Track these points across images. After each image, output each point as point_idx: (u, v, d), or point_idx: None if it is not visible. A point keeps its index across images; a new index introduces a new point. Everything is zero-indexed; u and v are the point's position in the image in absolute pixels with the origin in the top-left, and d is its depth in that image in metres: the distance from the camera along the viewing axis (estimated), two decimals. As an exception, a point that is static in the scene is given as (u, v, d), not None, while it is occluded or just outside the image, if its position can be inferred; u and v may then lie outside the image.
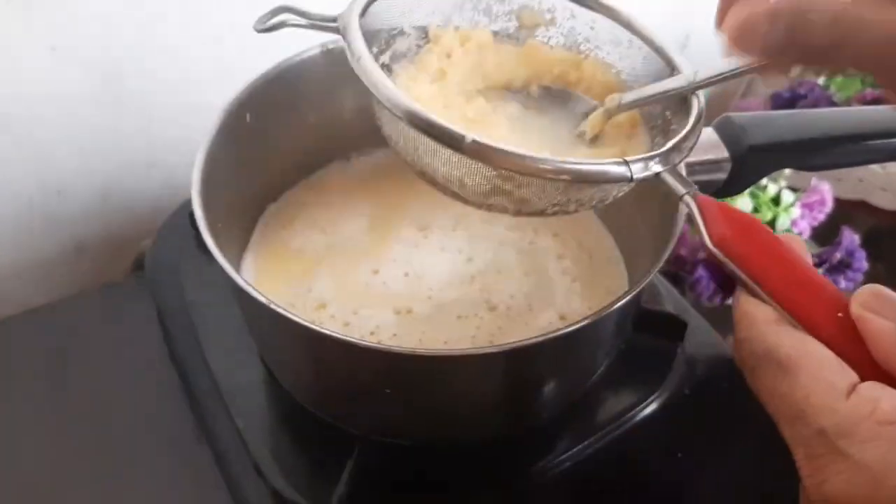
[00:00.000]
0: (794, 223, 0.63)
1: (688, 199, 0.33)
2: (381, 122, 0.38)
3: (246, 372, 0.49)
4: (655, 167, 0.33)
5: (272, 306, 0.35)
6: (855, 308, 0.28)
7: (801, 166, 0.48)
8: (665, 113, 0.40)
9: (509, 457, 0.45)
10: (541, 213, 0.36)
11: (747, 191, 0.62)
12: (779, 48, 0.27)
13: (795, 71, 0.34)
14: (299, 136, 0.52)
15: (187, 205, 0.41)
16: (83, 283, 0.65)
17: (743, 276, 0.30)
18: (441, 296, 0.47)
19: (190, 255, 0.54)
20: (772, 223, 0.62)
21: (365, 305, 0.46)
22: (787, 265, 0.31)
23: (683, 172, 0.34)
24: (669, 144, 0.34)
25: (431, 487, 0.44)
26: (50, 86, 0.55)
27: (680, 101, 0.38)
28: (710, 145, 0.46)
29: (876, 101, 0.72)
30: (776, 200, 0.62)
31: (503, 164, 0.32)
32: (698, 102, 0.37)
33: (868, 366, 0.27)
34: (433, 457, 0.45)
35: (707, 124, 0.48)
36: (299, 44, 0.49)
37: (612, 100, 0.39)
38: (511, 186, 0.34)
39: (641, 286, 0.38)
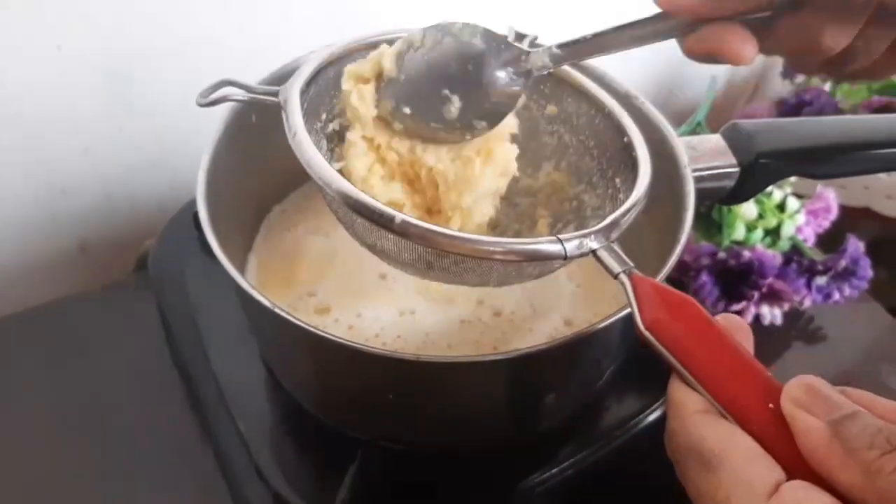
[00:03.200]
0: (798, 230, 0.62)
1: (623, 277, 0.32)
2: (323, 195, 0.37)
3: (248, 374, 0.49)
4: (591, 244, 0.32)
5: (276, 310, 0.35)
6: (786, 405, 0.27)
7: (808, 174, 0.48)
8: (616, 180, 0.39)
9: (513, 464, 0.45)
10: (483, 284, 0.36)
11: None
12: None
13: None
14: (304, 138, 0.52)
15: (191, 205, 0.41)
16: (86, 282, 0.65)
17: (674, 361, 0.29)
18: (445, 300, 0.47)
19: (193, 255, 0.54)
20: (777, 230, 0.62)
21: (369, 308, 0.46)
22: (720, 351, 0.29)
23: (619, 251, 0.33)
24: (607, 221, 0.34)
25: (433, 493, 0.44)
26: (56, 85, 0.55)
27: (631, 167, 0.38)
28: (717, 152, 0.46)
29: (883, 108, 0.72)
30: (781, 207, 0.62)
31: (432, 244, 0.32)
32: (645, 174, 0.37)
33: (797, 462, 0.26)
34: (435, 463, 0.45)
35: (714, 131, 0.48)
36: (305, 45, 0.49)
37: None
38: (448, 263, 0.34)
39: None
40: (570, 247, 0.32)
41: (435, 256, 0.34)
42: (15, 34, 0.52)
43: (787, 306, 0.59)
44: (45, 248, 0.63)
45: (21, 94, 0.54)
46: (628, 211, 0.34)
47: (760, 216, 0.61)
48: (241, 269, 0.49)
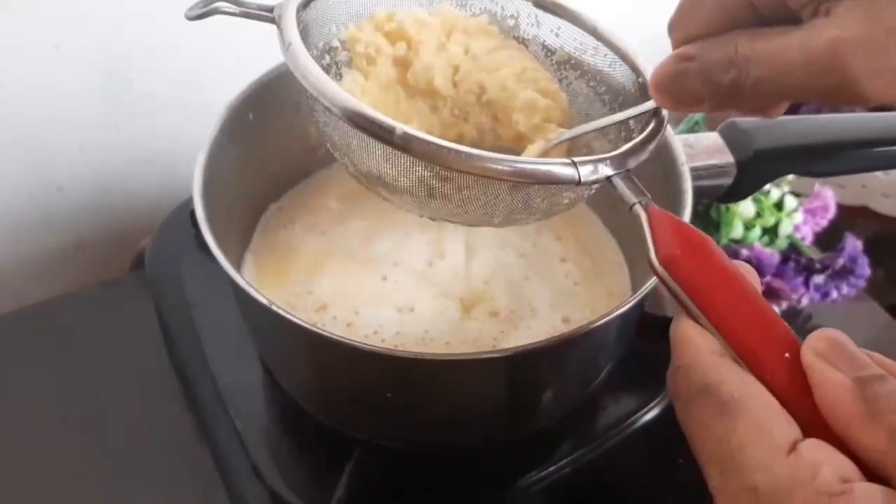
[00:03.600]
0: (796, 228, 0.62)
1: (638, 209, 0.30)
2: (316, 119, 0.36)
3: (245, 372, 0.48)
4: (606, 170, 0.31)
5: (273, 308, 0.35)
6: (808, 355, 0.26)
7: (806, 172, 0.48)
8: (629, 121, 0.38)
9: (510, 462, 0.45)
10: (487, 221, 0.35)
11: (749, 195, 0.62)
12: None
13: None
14: (301, 136, 0.52)
15: (188, 203, 0.41)
16: (83, 279, 0.65)
17: (687, 301, 0.28)
18: (443, 298, 0.47)
19: (190, 253, 0.54)
20: (775, 228, 0.62)
21: (366, 305, 0.46)
22: (737, 294, 0.28)
23: (636, 181, 0.32)
24: (624, 148, 0.32)
25: (430, 492, 0.44)
26: (53, 83, 0.55)
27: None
28: (715, 150, 0.46)
29: (881, 107, 0.72)
30: (779, 205, 0.62)
31: (436, 159, 0.30)
32: (663, 112, 0.35)
33: (811, 419, 0.25)
34: (433, 461, 0.45)
35: (712, 129, 0.48)
36: (303, 43, 0.49)
37: (556, 136, 0.37)
38: (450, 189, 0.32)
39: (645, 291, 0.37)
40: (585, 171, 0.30)
41: (437, 180, 0.32)
42: (13, 33, 0.51)
43: (784, 304, 0.59)
44: (42, 246, 0.62)
45: (19, 93, 0.54)
46: (646, 140, 0.33)
47: (758, 214, 0.61)
48: (238, 266, 0.49)
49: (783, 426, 0.25)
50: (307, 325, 0.35)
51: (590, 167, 0.30)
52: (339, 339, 0.34)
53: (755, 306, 0.28)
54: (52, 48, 0.53)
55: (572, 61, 0.41)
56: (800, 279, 0.60)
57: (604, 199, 0.52)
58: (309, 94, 0.33)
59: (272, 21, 0.35)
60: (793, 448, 0.24)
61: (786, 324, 0.27)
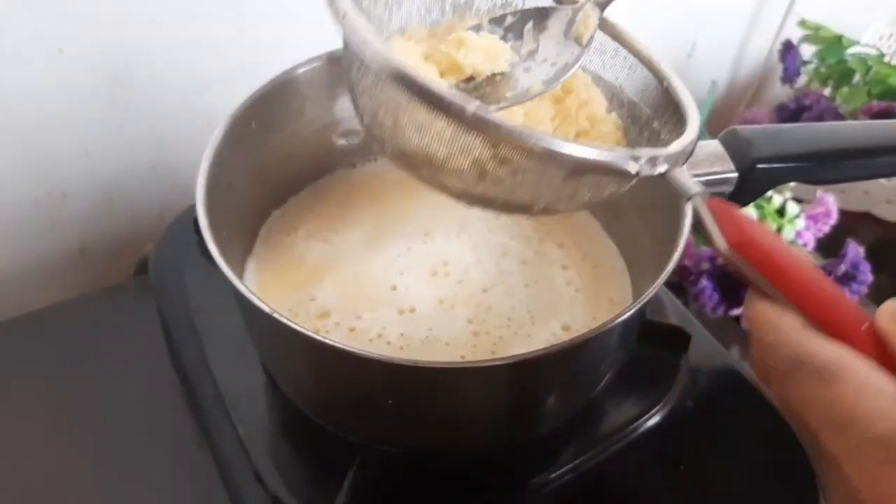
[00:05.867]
0: (798, 234, 0.62)
1: (697, 200, 0.32)
2: (359, 92, 0.34)
3: (248, 378, 0.49)
4: (663, 166, 0.31)
5: (274, 315, 0.35)
6: (884, 322, 0.27)
7: (807, 180, 0.48)
8: (653, 123, 0.39)
9: (511, 468, 0.45)
10: (528, 208, 0.34)
11: (752, 201, 0.62)
12: None
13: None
14: (304, 144, 0.52)
15: (191, 209, 0.41)
16: (86, 286, 0.65)
17: (762, 281, 0.29)
18: (445, 303, 0.47)
19: (193, 259, 0.54)
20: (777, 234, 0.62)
21: (368, 310, 0.46)
22: (806, 272, 0.29)
23: (689, 174, 0.33)
24: (678, 146, 0.33)
25: (433, 498, 0.44)
26: (56, 88, 0.55)
27: (670, 109, 0.37)
28: (715, 158, 0.46)
29: (882, 113, 0.72)
30: (781, 212, 0.62)
31: (506, 140, 0.29)
32: (695, 112, 0.36)
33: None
34: (434, 467, 0.45)
35: (713, 137, 0.48)
36: (306, 52, 0.49)
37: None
38: (505, 172, 0.32)
39: (646, 298, 0.37)
40: (644, 165, 0.31)
41: (494, 162, 0.31)
42: (16, 38, 0.52)
43: (786, 311, 0.59)
44: (46, 252, 0.63)
45: (22, 99, 0.54)
46: (693, 140, 0.34)
47: (760, 220, 0.61)
48: (241, 273, 0.49)
49: (885, 379, 0.26)
50: (308, 333, 0.35)
51: (648, 162, 0.31)
52: (340, 346, 0.34)
53: (823, 282, 0.29)
54: (56, 52, 0.54)
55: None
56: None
57: (605, 206, 0.53)
58: (358, 68, 0.32)
59: None
60: None
61: (850, 299, 0.29)
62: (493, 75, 0.39)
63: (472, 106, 0.29)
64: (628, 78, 0.41)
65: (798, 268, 0.29)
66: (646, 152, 0.31)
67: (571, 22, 0.39)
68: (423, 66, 0.37)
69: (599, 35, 0.40)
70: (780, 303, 0.29)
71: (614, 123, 0.40)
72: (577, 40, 0.39)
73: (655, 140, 0.38)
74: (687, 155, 0.33)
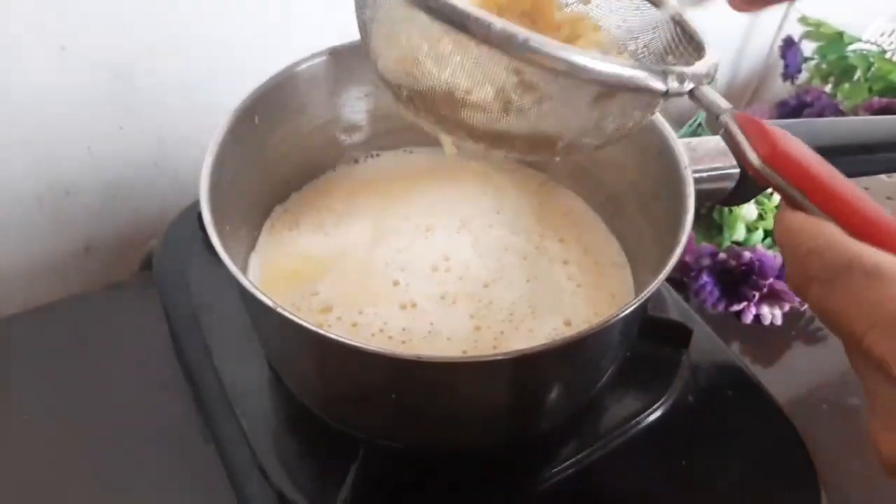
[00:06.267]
0: (799, 231, 0.62)
1: (726, 117, 0.31)
2: (372, 30, 0.33)
3: (252, 373, 0.49)
4: (690, 84, 0.31)
5: (278, 309, 0.35)
6: None
7: (808, 176, 0.48)
8: (667, 58, 0.38)
9: (513, 463, 0.45)
10: (552, 144, 0.33)
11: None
12: None
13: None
14: (307, 139, 0.52)
15: (195, 205, 0.42)
16: (91, 282, 0.65)
17: (797, 194, 0.29)
18: (447, 298, 0.47)
19: (197, 255, 0.54)
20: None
21: (371, 304, 0.47)
22: (842, 185, 0.29)
23: (716, 92, 0.32)
24: (703, 65, 0.32)
25: (435, 493, 0.44)
26: (59, 85, 0.55)
27: (683, 42, 0.37)
28: (717, 154, 0.46)
29: (884, 110, 0.72)
30: (782, 208, 0.62)
31: (533, 57, 0.28)
32: (709, 41, 0.35)
33: None
34: (437, 462, 0.45)
35: (714, 133, 0.48)
36: (308, 48, 0.49)
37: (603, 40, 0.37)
38: (530, 100, 0.31)
39: (648, 294, 0.38)
40: (673, 81, 0.30)
41: (521, 88, 0.30)
42: (19, 35, 0.52)
43: (787, 307, 0.60)
44: (50, 249, 0.63)
45: (25, 95, 0.55)
46: (716, 63, 0.33)
47: (761, 217, 0.62)
48: (244, 268, 0.49)
49: None
50: (311, 327, 0.35)
51: (676, 79, 0.30)
52: (342, 340, 0.34)
53: (862, 196, 0.28)
54: (59, 49, 0.54)
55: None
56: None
57: (606, 200, 0.53)
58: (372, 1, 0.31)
59: None
60: None
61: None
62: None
63: (499, 22, 0.28)
64: (636, 19, 0.39)
65: (835, 180, 0.29)
66: (674, 69, 0.30)
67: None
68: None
69: None
70: (816, 215, 0.28)
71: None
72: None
73: (670, 73, 0.38)
74: (712, 75, 0.33)
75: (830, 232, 0.28)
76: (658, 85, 0.30)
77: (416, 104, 0.34)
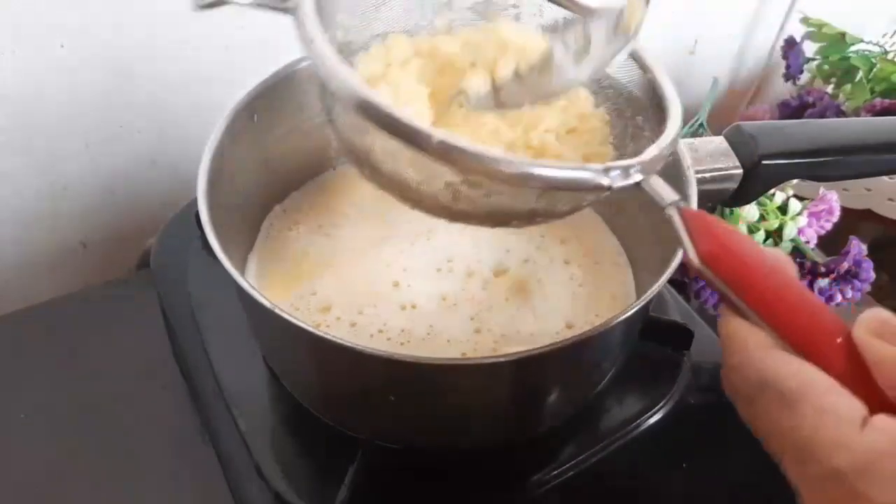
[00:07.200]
0: (800, 232, 0.62)
1: (671, 210, 0.30)
2: (333, 116, 0.35)
3: (249, 373, 0.49)
4: (636, 176, 0.31)
5: (275, 310, 0.35)
6: (860, 333, 0.26)
7: (811, 177, 0.48)
8: (637, 118, 0.38)
9: (513, 465, 0.45)
10: (507, 223, 0.34)
11: (753, 199, 0.61)
12: None
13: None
14: (306, 138, 0.52)
15: (193, 203, 0.41)
16: (88, 279, 0.65)
17: (733, 296, 0.28)
18: (447, 299, 0.47)
19: (195, 253, 0.54)
20: (779, 231, 0.62)
21: (370, 305, 0.46)
22: (781, 284, 0.28)
23: (665, 182, 0.31)
24: (653, 152, 0.32)
25: (434, 494, 0.44)
26: (59, 83, 0.55)
27: (654, 106, 0.37)
28: (720, 154, 0.46)
29: (886, 111, 0.72)
30: (783, 209, 0.62)
31: (474, 168, 0.29)
32: (677, 109, 0.35)
33: (871, 398, 0.25)
34: (436, 463, 0.45)
35: (714, 134, 0.48)
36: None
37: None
38: (478, 194, 0.32)
39: (650, 296, 0.37)
40: (615, 176, 0.30)
41: (467, 186, 0.31)
42: (17, 32, 0.52)
43: (788, 308, 0.59)
44: (48, 246, 0.63)
45: (23, 92, 0.54)
46: (671, 143, 0.33)
47: (762, 218, 0.61)
48: (243, 268, 0.49)
49: (849, 403, 0.25)
50: (309, 328, 0.35)
51: (620, 172, 0.30)
52: (340, 341, 0.34)
53: (799, 294, 0.28)
54: (58, 47, 0.53)
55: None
56: (804, 283, 0.60)
57: (608, 202, 0.53)
58: (329, 94, 0.32)
59: (287, 12, 0.33)
60: (865, 422, 0.24)
61: (829, 310, 0.27)
62: (536, 68, 0.39)
63: (438, 134, 0.28)
64: (620, 75, 0.40)
65: (772, 279, 0.28)
66: (617, 165, 0.30)
67: (619, 16, 0.38)
68: (407, 75, 0.37)
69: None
70: (751, 320, 0.27)
71: (602, 119, 0.40)
72: (624, 30, 0.37)
73: (639, 136, 0.38)
74: (663, 159, 0.32)
75: (754, 346, 0.27)
76: (601, 182, 0.30)
77: (376, 183, 0.35)
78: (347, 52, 0.37)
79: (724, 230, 0.29)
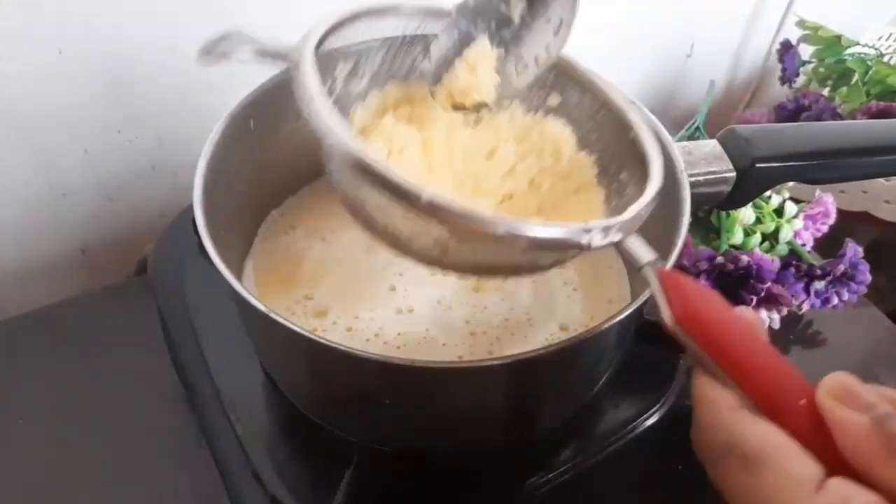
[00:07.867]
0: (797, 234, 0.62)
1: (647, 270, 0.31)
2: (331, 168, 0.36)
3: (246, 377, 0.49)
4: (615, 236, 0.32)
5: (271, 315, 0.35)
6: (822, 397, 0.26)
7: (806, 179, 0.48)
8: (620, 175, 0.39)
9: (509, 468, 0.45)
10: (495, 275, 0.36)
11: (749, 202, 0.62)
12: None
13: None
14: (302, 143, 0.52)
15: (191, 209, 0.41)
16: (86, 285, 0.65)
17: (704, 357, 0.28)
18: (442, 303, 0.47)
19: (192, 259, 0.54)
20: (775, 234, 0.62)
21: (366, 309, 0.46)
22: (750, 346, 0.28)
23: (644, 241, 0.33)
24: (631, 213, 0.33)
25: (429, 498, 0.44)
26: (57, 88, 0.55)
27: (637, 161, 0.38)
28: (714, 158, 0.46)
29: (881, 113, 0.72)
30: (779, 211, 0.62)
31: (460, 225, 0.30)
32: (658, 168, 0.36)
33: (832, 460, 0.25)
34: (433, 467, 0.45)
35: (711, 137, 0.48)
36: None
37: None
38: (466, 249, 0.33)
39: (645, 298, 0.37)
40: (595, 237, 0.31)
41: (455, 241, 0.32)
42: (16, 38, 0.52)
43: (785, 311, 0.59)
44: (46, 252, 0.63)
45: (22, 98, 0.54)
46: (649, 203, 0.34)
47: (758, 220, 0.61)
48: (239, 273, 0.49)
49: (808, 467, 0.25)
50: (304, 332, 0.35)
51: (599, 233, 0.31)
52: (336, 345, 0.34)
53: (768, 356, 0.28)
54: (56, 53, 0.54)
55: (564, 107, 0.43)
56: (800, 285, 0.60)
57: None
58: (327, 150, 0.33)
59: (289, 65, 0.35)
60: (820, 486, 0.24)
61: (797, 371, 0.28)
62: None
63: (426, 194, 0.29)
64: (599, 127, 0.42)
65: (742, 341, 0.28)
66: (597, 225, 0.31)
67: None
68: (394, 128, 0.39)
69: (570, 84, 0.42)
70: (722, 381, 0.28)
71: (592, 169, 0.42)
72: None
73: (622, 192, 0.39)
74: (642, 219, 0.33)
75: (723, 407, 0.27)
76: (582, 241, 0.31)
77: (370, 234, 0.36)
78: (346, 101, 0.40)
79: (696, 292, 0.30)
